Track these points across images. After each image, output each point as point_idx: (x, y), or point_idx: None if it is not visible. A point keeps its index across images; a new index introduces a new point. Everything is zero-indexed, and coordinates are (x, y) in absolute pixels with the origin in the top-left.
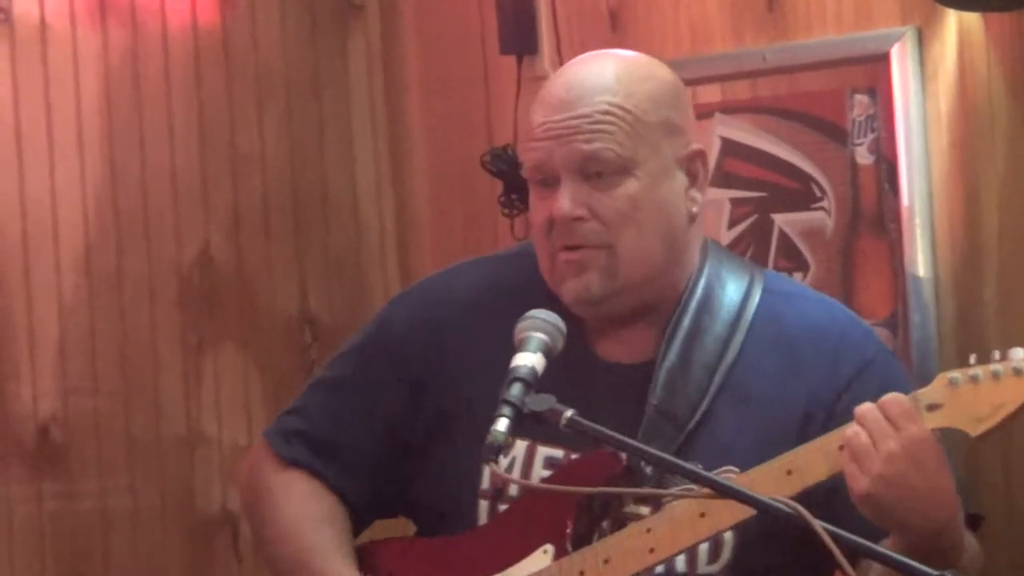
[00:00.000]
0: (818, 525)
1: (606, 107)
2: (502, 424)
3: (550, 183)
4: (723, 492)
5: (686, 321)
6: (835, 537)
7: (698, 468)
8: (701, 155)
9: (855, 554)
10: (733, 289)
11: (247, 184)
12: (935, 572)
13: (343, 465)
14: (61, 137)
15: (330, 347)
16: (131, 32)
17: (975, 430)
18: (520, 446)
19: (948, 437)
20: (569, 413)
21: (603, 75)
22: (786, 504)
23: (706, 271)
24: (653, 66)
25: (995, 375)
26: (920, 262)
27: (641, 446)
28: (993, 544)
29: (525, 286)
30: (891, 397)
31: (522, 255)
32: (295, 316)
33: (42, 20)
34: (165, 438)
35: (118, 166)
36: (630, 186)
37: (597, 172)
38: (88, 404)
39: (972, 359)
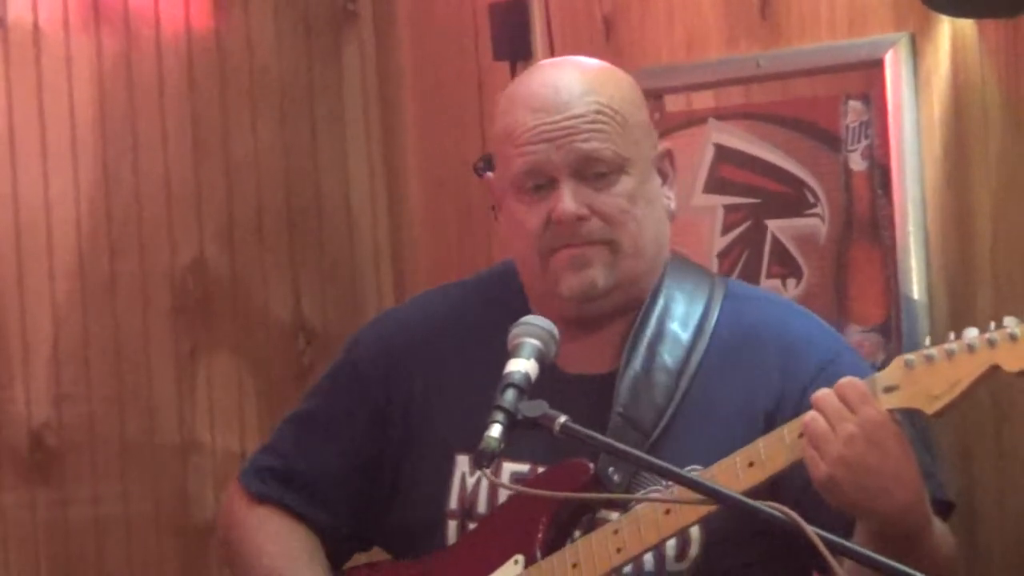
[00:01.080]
0: (809, 529)
1: (598, 107)
2: (496, 430)
3: (543, 187)
4: (713, 496)
5: (649, 328)
6: (825, 540)
7: (696, 473)
8: (670, 154)
9: (835, 555)
10: (695, 297)
11: (241, 190)
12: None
13: (316, 498)
14: (54, 143)
15: (324, 354)
16: (124, 38)
17: (931, 408)
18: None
19: (936, 432)
20: (563, 419)
21: (584, 78)
22: (778, 509)
23: (667, 278)
24: (618, 71)
25: (949, 353)
26: (913, 269)
27: (635, 452)
28: (986, 545)
29: (491, 309)
30: (847, 380)
31: (487, 279)
32: (289, 323)
33: (35, 26)
34: (159, 445)
35: (111, 172)
36: (626, 183)
37: (596, 171)
38: (82, 410)
39: (927, 341)
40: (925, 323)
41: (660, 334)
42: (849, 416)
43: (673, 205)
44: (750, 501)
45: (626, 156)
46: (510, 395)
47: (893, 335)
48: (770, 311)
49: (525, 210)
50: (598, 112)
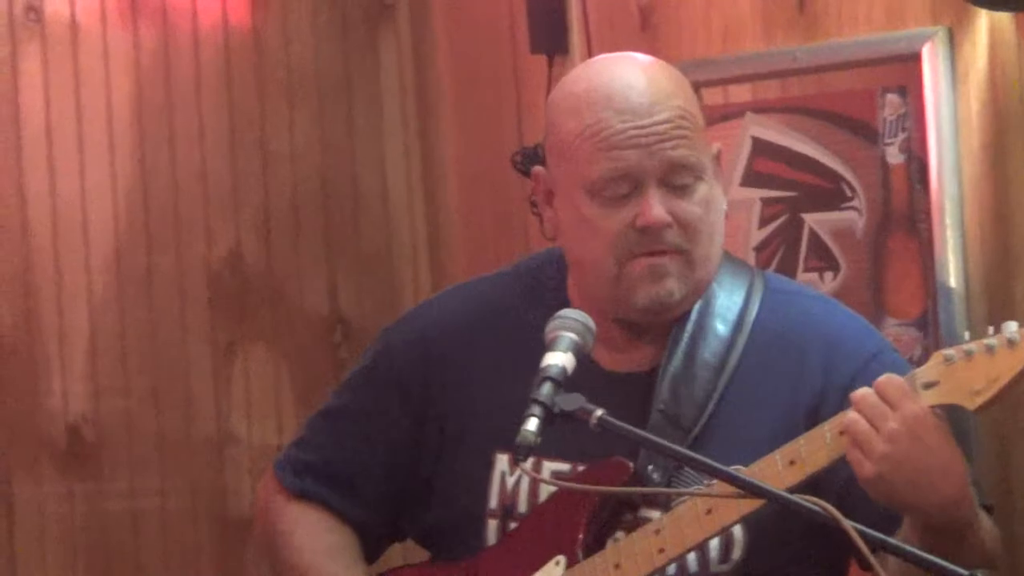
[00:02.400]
0: (847, 524)
1: (680, 111)
2: (532, 424)
3: (628, 193)
4: (753, 491)
5: (689, 326)
6: (862, 535)
7: (739, 471)
8: (720, 154)
9: (876, 550)
10: (734, 291)
11: (278, 184)
12: (964, 571)
13: (352, 494)
14: (92, 137)
15: (360, 346)
16: (162, 32)
17: (972, 404)
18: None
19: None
20: (599, 412)
21: (661, 79)
22: (818, 505)
23: None
24: (674, 69)
25: (989, 348)
26: (951, 262)
27: (671, 445)
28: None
29: (524, 304)
30: (886, 378)
31: (523, 272)
32: (325, 315)
33: (73, 20)
34: (195, 438)
35: (149, 166)
36: (703, 190)
37: (682, 179)
38: (119, 404)
39: (967, 335)
40: (962, 316)
41: (701, 330)
42: (890, 414)
43: (725, 207)
44: (790, 496)
45: (703, 162)
46: (547, 388)
47: (930, 329)
48: (810, 307)
49: (603, 214)
50: (681, 117)
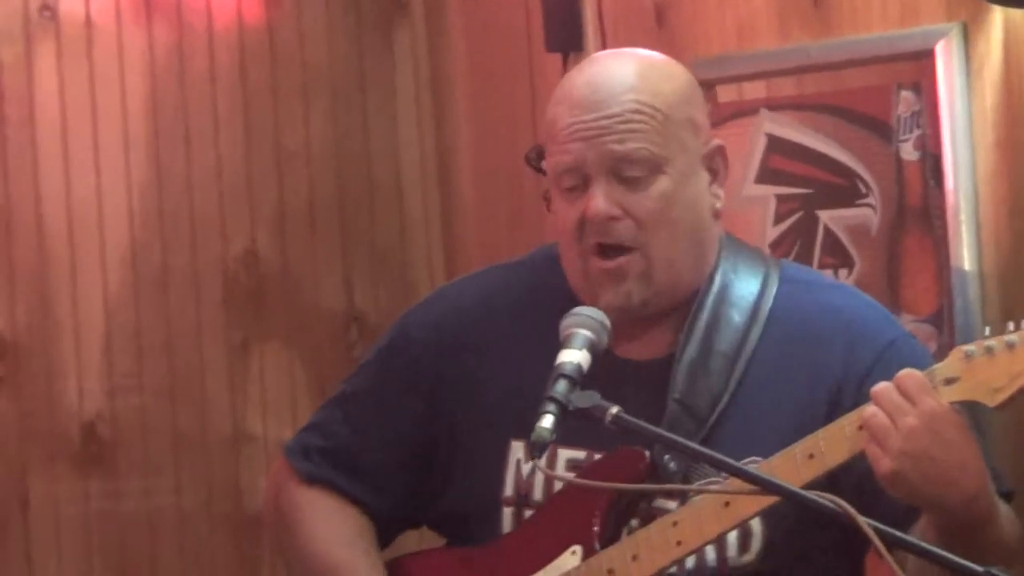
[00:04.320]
0: (862, 521)
1: (635, 105)
2: (547, 421)
3: (579, 185)
4: (765, 487)
5: (704, 315)
6: (877, 531)
7: (755, 465)
8: (721, 151)
9: (893, 545)
10: (750, 280)
11: (293, 181)
12: (980, 568)
13: (366, 479)
14: (107, 135)
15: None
16: (177, 30)
17: (992, 401)
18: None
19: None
20: (615, 410)
21: (627, 74)
22: (831, 500)
23: (722, 264)
24: (672, 65)
25: (1010, 345)
26: (966, 258)
27: (687, 443)
28: None
29: (541, 292)
30: (905, 373)
31: (536, 261)
32: (341, 313)
33: (88, 18)
34: (211, 436)
35: (164, 164)
36: (662, 184)
37: (630, 173)
38: (134, 402)
39: (987, 331)
40: (978, 313)
41: (716, 319)
42: (909, 409)
43: (719, 204)
44: (804, 493)
45: (663, 156)
46: (562, 386)
47: (945, 325)
48: (827, 295)
49: (564, 207)
50: (635, 111)
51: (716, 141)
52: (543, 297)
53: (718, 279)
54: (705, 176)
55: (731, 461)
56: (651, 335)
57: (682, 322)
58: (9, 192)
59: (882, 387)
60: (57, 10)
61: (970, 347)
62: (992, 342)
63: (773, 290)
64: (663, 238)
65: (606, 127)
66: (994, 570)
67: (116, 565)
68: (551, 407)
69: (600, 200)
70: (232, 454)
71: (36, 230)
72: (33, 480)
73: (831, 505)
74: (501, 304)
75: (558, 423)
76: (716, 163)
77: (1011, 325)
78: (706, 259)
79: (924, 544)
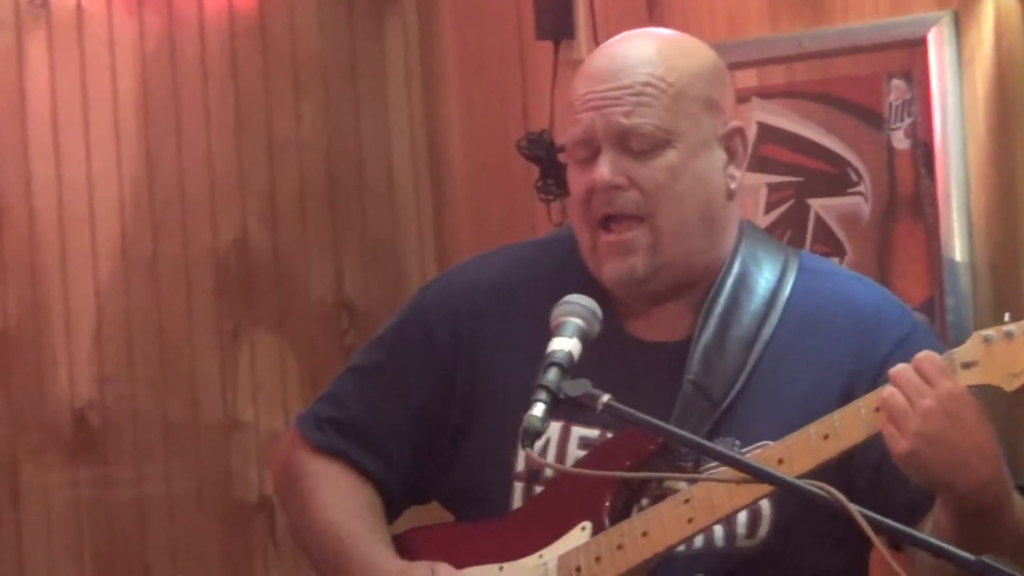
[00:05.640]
0: (854, 509)
1: (647, 78)
2: (538, 409)
3: (590, 157)
4: (758, 475)
5: (722, 299)
6: (870, 519)
7: (733, 447)
8: (740, 132)
9: (883, 532)
10: (768, 268)
11: (284, 170)
12: (972, 557)
13: (378, 452)
14: (97, 124)
15: (366, 333)
16: (168, 18)
17: (1011, 385)
18: (555, 427)
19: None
20: (605, 398)
21: (646, 49)
22: (821, 488)
23: (742, 250)
24: (696, 44)
25: None
26: (957, 247)
27: (675, 430)
28: None
29: (558, 270)
30: (925, 355)
31: (555, 240)
32: (331, 302)
33: (79, 6)
34: (202, 424)
35: (154, 152)
36: (669, 156)
37: (637, 145)
38: (125, 391)
39: (1007, 317)
40: (969, 301)
41: (734, 303)
42: (927, 391)
43: (734, 185)
44: (793, 480)
45: (672, 130)
46: (552, 374)
47: (937, 313)
48: (845, 286)
49: (575, 178)
50: (646, 84)
51: (736, 122)
52: (560, 275)
53: (737, 265)
54: (721, 156)
55: (711, 444)
56: (668, 318)
57: (699, 306)
58: (0, 182)
59: (901, 368)
60: None
61: (989, 332)
62: (1012, 327)
63: (791, 279)
64: (669, 210)
65: (616, 97)
66: (986, 558)
67: (107, 553)
68: (542, 395)
69: (605, 169)
70: (223, 442)
71: (27, 219)
72: (24, 469)
73: (821, 493)
74: (518, 281)
75: (549, 411)
76: (735, 144)
77: None
78: (720, 240)
79: (915, 532)
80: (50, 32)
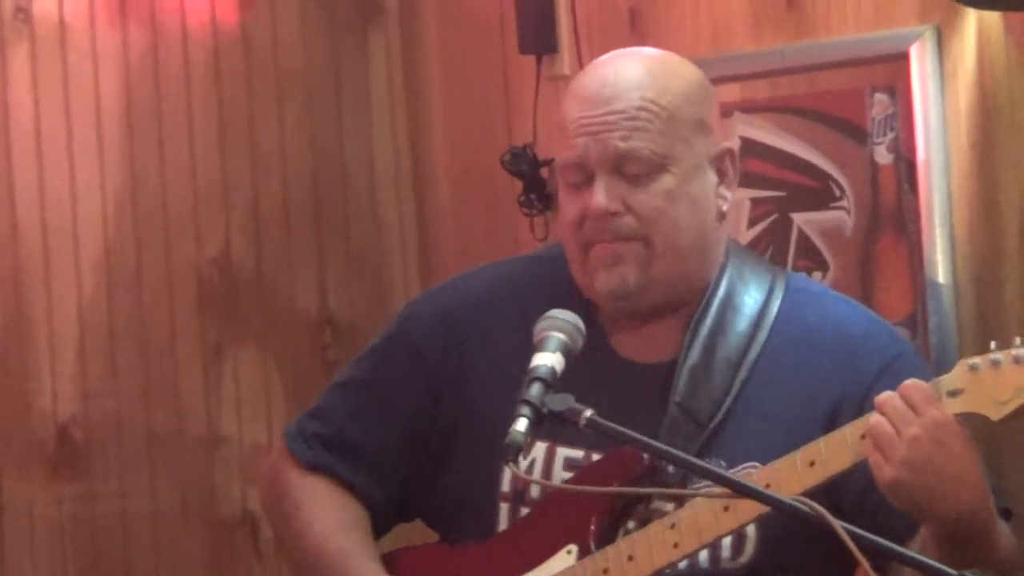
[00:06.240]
0: (838, 524)
1: (641, 103)
2: (521, 424)
3: (583, 180)
4: (743, 492)
5: (708, 319)
6: (856, 537)
7: (719, 467)
8: (730, 153)
9: (881, 554)
10: (755, 288)
11: (267, 183)
12: (954, 572)
13: (364, 468)
14: (81, 136)
15: (350, 347)
16: (151, 31)
17: (997, 414)
18: (540, 448)
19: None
20: (588, 413)
21: (637, 71)
22: (806, 504)
23: (728, 270)
24: (683, 64)
25: (1016, 359)
26: (940, 262)
27: (660, 446)
28: None
29: (545, 287)
30: (911, 383)
31: (542, 258)
32: (315, 315)
33: (61, 19)
34: (185, 438)
35: (138, 165)
36: (665, 181)
37: (633, 170)
38: (108, 404)
39: (992, 345)
40: (952, 316)
41: (720, 324)
42: (913, 419)
43: (726, 206)
44: (779, 497)
45: (667, 154)
46: (536, 389)
47: (919, 328)
48: (832, 307)
49: (568, 200)
50: (640, 108)
51: (726, 143)
52: (547, 292)
53: (724, 284)
54: (713, 177)
55: (700, 462)
56: (655, 338)
57: (686, 325)
58: None
59: (887, 396)
60: (31, 12)
61: (975, 360)
62: (998, 355)
63: (778, 299)
64: (664, 234)
65: (611, 123)
66: (967, 572)
67: (90, 568)
68: (525, 410)
69: (601, 195)
70: (207, 456)
71: (10, 232)
72: (7, 483)
73: (806, 509)
74: (503, 298)
75: (532, 426)
76: (725, 165)
77: (1018, 340)
78: (710, 260)
79: (898, 548)
80: (33, 45)
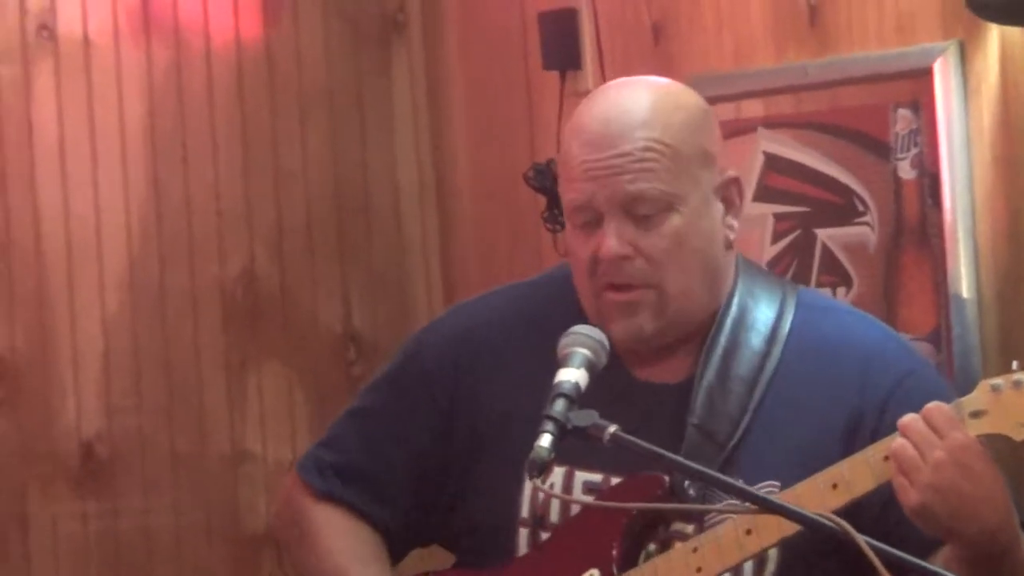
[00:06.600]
0: (862, 541)
1: (645, 143)
2: (545, 440)
3: (591, 222)
4: (770, 508)
5: (722, 339)
6: (880, 553)
7: (742, 484)
8: (736, 182)
9: (904, 570)
10: (767, 304)
11: (290, 200)
12: None
13: (379, 496)
14: (105, 154)
15: (374, 364)
16: (174, 49)
17: (1020, 435)
18: (558, 472)
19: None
20: (612, 428)
21: (639, 107)
22: (831, 520)
23: (739, 288)
24: (683, 92)
25: None
26: (963, 277)
27: (685, 462)
28: None
29: (557, 310)
30: (934, 406)
31: (552, 279)
32: (339, 332)
33: (85, 37)
34: (209, 455)
35: (161, 183)
36: (674, 221)
37: (642, 212)
38: (132, 422)
39: (1015, 365)
40: (975, 331)
41: (734, 343)
42: (937, 442)
43: (733, 235)
44: (804, 512)
45: (676, 193)
46: (560, 405)
47: (943, 343)
48: (845, 322)
49: (578, 240)
50: (647, 149)
51: (731, 172)
52: (558, 315)
53: (736, 304)
54: (719, 207)
55: (725, 478)
56: (671, 360)
57: (701, 347)
58: (8, 212)
59: (910, 419)
60: (55, 30)
61: (997, 380)
62: (1021, 376)
63: (790, 315)
64: (676, 274)
65: (618, 166)
66: None
67: None
68: (549, 426)
69: (612, 241)
70: (230, 473)
71: (34, 250)
72: (32, 500)
73: (831, 525)
74: (516, 322)
75: (557, 442)
76: (731, 194)
77: None
78: (720, 287)
79: (923, 563)
80: (57, 63)
